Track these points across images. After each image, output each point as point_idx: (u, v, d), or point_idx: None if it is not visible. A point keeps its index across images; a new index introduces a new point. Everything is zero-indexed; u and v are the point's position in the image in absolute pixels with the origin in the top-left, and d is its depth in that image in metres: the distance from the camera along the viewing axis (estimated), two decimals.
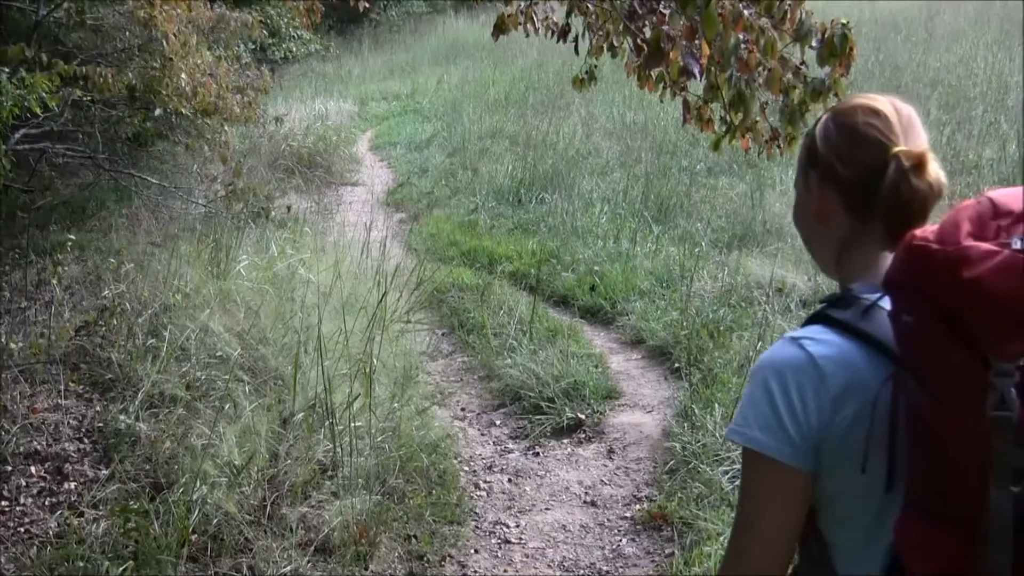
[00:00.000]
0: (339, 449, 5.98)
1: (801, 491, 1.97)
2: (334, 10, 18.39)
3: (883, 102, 2.11)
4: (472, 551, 5.77)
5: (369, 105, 26.46)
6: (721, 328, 8.33)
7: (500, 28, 6.87)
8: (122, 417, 6.40)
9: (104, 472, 5.98)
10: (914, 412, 1.75)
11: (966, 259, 1.59)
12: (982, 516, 1.58)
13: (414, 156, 19.09)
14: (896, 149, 2.00)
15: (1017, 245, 1.58)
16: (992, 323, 1.57)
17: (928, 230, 1.71)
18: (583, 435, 7.24)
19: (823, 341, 1.98)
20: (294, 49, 28.60)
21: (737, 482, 5.58)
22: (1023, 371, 1.53)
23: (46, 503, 5.77)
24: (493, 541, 5.90)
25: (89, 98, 9.90)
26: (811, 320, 2.06)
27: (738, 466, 5.73)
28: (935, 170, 2.00)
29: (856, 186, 2.07)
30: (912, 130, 2.08)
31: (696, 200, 12.82)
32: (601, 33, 6.59)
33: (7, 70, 7.04)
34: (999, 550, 1.56)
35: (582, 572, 5.61)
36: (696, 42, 4.90)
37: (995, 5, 21.59)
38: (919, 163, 1.99)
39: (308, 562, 5.22)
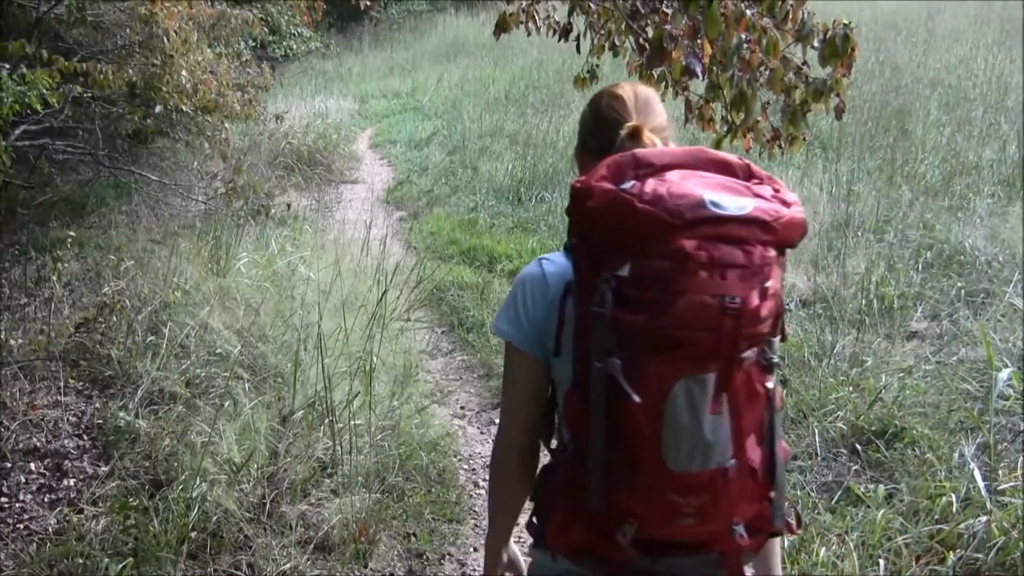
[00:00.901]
0: (339, 447, 5.98)
1: (534, 370, 2.60)
2: (335, 7, 18.45)
3: (626, 88, 2.72)
4: (471, 549, 5.77)
5: (369, 103, 26.49)
6: None
7: (502, 27, 6.86)
8: (122, 414, 6.41)
9: (104, 469, 5.99)
10: (574, 310, 2.35)
11: (591, 194, 2.19)
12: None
13: (414, 154, 19.12)
14: (626, 124, 2.57)
15: (625, 186, 2.18)
16: (600, 242, 2.18)
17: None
18: None
19: (555, 262, 2.61)
20: (294, 47, 28.57)
21: None
22: (619, 280, 2.13)
23: (46, 500, 5.77)
24: None
25: (89, 95, 9.91)
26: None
27: None
28: (649, 138, 2.54)
29: (601, 153, 2.48)
30: (647, 109, 2.67)
31: None
32: (603, 32, 6.59)
33: (8, 66, 7.05)
34: (596, 406, 2.18)
35: None
36: (698, 41, 4.91)
37: (995, 5, 21.59)
38: (634, 133, 2.54)
39: (307, 560, 5.22)
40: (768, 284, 2.18)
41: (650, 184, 2.18)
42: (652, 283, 2.11)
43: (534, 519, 2.65)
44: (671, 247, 2.10)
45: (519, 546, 3.00)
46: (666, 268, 2.10)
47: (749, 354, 2.20)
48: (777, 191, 2.33)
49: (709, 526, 2.27)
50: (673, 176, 2.23)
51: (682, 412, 2.13)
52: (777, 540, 2.66)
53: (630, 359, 2.14)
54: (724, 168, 2.33)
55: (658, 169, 2.25)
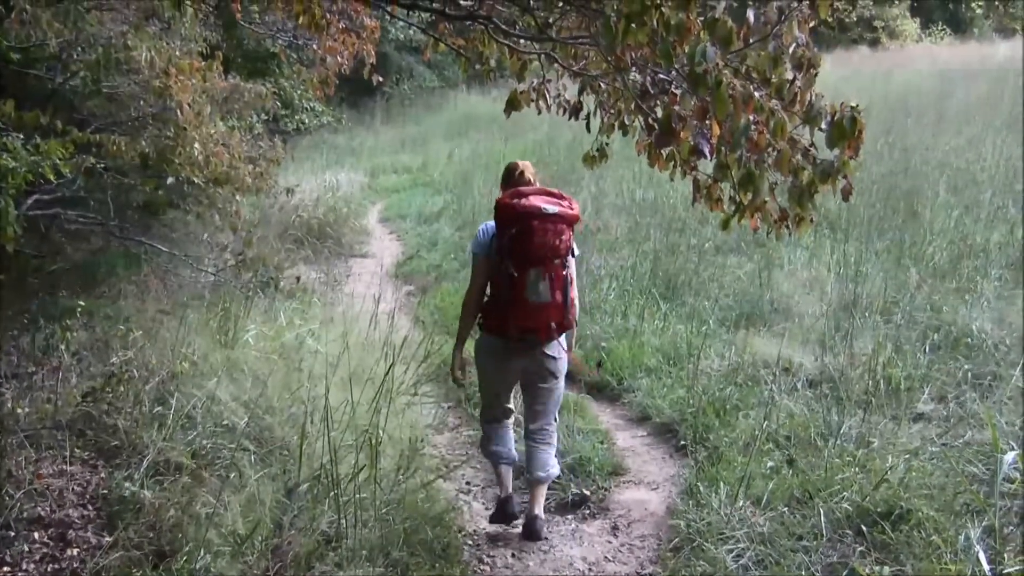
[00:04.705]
0: (343, 520, 5.97)
1: (485, 264, 6.44)
2: (347, 82, 18.59)
3: (518, 161, 6.98)
4: None
5: (380, 177, 26.62)
6: (727, 406, 8.34)
7: (513, 105, 6.92)
8: (127, 484, 6.40)
9: (107, 539, 5.97)
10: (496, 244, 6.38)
11: (500, 203, 6.33)
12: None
13: (424, 229, 19.19)
14: (517, 171, 6.75)
15: (512, 200, 6.25)
16: (503, 220, 6.30)
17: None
18: (588, 511, 7.23)
19: (489, 225, 6.52)
20: (306, 120, 28.78)
21: (741, 561, 5.87)
22: (511, 234, 6.21)
23: (49, 569, 5.75)
24: None
25: (102, 165, 9.97)
26: None
27: (743, 545, 6.00)
28: (527, 177, 6.68)
29: (509, 185, 6.68)
30: (527, 167, 6.77)
31: (704, 278, 12.83)
32: (613, 111, 6.65)
33: (22, 136, 7.11)
34: (504, 278, 6.28)
35: None
36: (707, 122, 4.93)
37: (1007, 88, 21.67)
38: (521, 173, 6.71)
39: None
40: (563, 237, 6.19)
41: (522, 201, 6.19)
42: (522, 236, 6.13)
43: (482, 322, 6.56)
44: (528, 223, 6.11)
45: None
46: (526, 230, 6.11)
47: (557, 262, 6.21)
48: (571, 204, 6.29)
49: (541, 323, 6.28)
50: (532, 198, 6.21)
51: (531, 281, 6.17)
52: (574, 330, 6.77)
53: (515, 262, 6.14)
54: (553, 194, 6.31)
55: (526, 195, 6.24)
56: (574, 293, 6.45)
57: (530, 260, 6.16)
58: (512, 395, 6.98)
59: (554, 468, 6.84)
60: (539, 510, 6.71)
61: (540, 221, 6.11)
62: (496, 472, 7.01)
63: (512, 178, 6.70)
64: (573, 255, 6.44)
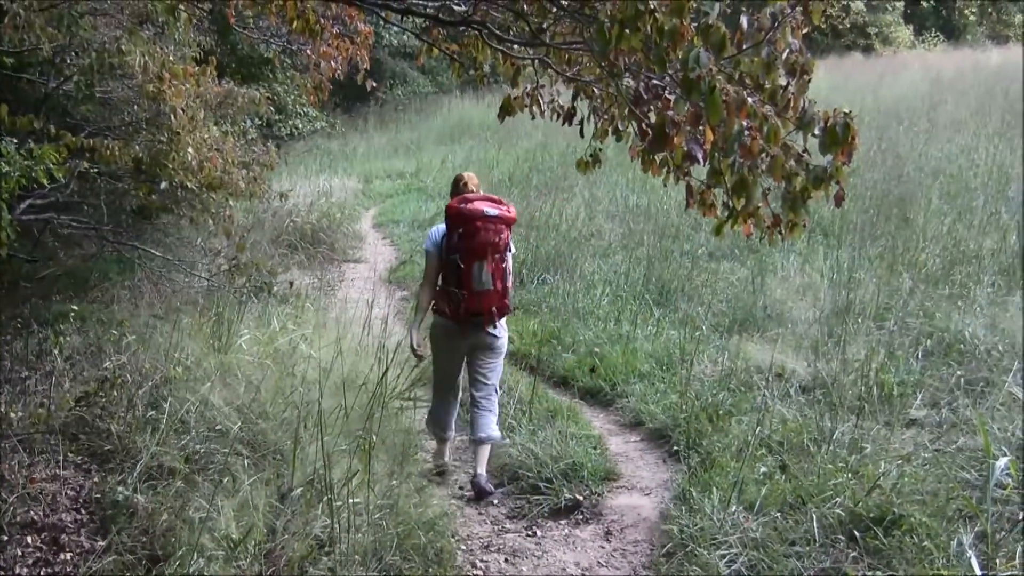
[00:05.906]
0: (337, 525, 5.96)
1: (436, 259, 7.74)
2: (340, 88, 18.55)
3: (464, 173, 8.36)
4: None
5: (373, 183, 26.57)
6: (720, 412, 8.35)
7: (506, 110, 6.93)
8: (120, 488, 6.38)
9: (101, 543, 5.96)
10: (446, 242, 7.72)
11: (450, 208, 7.64)
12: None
13: (417, 234, 19.12)
14: (463, 182, 8.13)
15: (460, 206, 7.57)
16: (452, 222, 7.60)
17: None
18: (581, 516, 7.23)
19: (440, 227, 7.83)
20: (300, 126, 28.70)
21: (734, 566, 5.84)
22: (459, 232, 7.55)
23: (42, 573, 5.73)
24: None
25: (95, 170, 9.96)
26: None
27: (735, 550, 5.96)
28: (471, 187, 7.99)
29: (456, 194, 7.96)
30: (471, 179, 8.16)
31: (697, 284, 12.85)
32: (606, 117, 6.65)
33: (15, 141, 7.11)
34: (452, 270, 7.61)
35: None
36: (700, 128, 4.93)
37: (997, 97, 21.67)
38: (465, 184, 8.05)
39: None
40: (502, 235, 7.57)
41: (467, 205, 7.53)
42: (467, 235, 7.49)
43: (435, 307, 7.83)
44: (473, 224, 7.48)
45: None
46: (472, 230, 7.48)
47: (497, 256, 7.55)
48: (509, 209, 7.67)
49: (485, 307, 7.59)
50: (477, 202, 7.57)
51: (476, 272, 7.50)
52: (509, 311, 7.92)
53: (462, 256, 7.49)
54: (495, 200, 7.66)
55: (471, 201, 7.58)
56: (510, 283, 7.80)
57: (474, 254, 7.50)
58: (460, 375, 8.12)
59: (495, 432, 7.96)
60: (482, 469, 7.78)
61: (483, 222, 7.49)
62: (438, 446, 8.30)
63: (458, 188, 8.07)
64: (510, 251, 7.80)
